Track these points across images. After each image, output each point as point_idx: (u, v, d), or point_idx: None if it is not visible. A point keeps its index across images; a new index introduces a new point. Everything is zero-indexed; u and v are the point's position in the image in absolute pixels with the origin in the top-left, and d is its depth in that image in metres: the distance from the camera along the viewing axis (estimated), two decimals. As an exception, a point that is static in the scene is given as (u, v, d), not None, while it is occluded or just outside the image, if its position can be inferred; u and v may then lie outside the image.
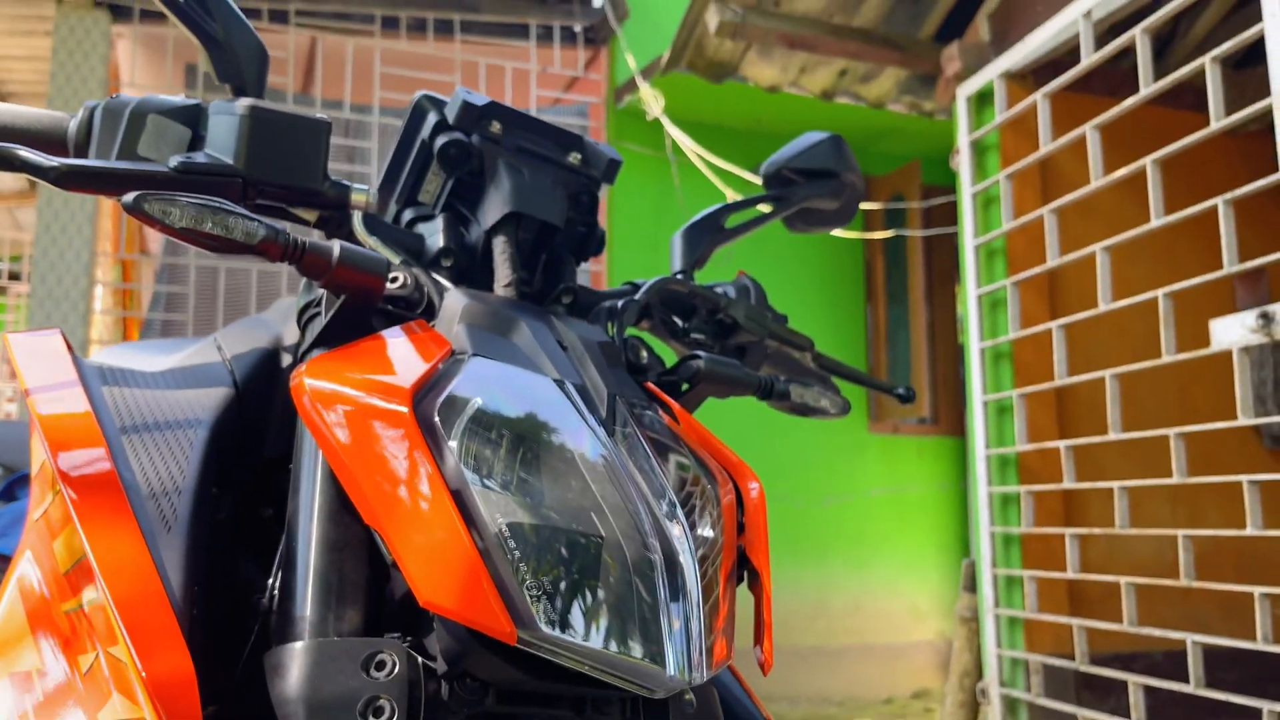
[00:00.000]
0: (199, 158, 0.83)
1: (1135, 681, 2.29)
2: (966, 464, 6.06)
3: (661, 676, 0.67)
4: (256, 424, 0.93)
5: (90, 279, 4.39)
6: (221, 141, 0.85)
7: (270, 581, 0.81)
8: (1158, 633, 2.24)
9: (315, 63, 4.90)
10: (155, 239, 5.99)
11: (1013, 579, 2.80)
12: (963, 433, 6.00)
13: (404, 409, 0.70)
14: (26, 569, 0.77)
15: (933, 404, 5.90)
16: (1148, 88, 2.25)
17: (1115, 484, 2.35)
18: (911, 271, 5.79)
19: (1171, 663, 2.74)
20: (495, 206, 0.95)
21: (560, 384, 0.79)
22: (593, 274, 4.88)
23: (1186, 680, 2.17)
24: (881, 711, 5.42)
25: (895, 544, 5.89)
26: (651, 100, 4.59)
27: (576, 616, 0.66)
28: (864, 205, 5.39)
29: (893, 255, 5.88)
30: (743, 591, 0.82)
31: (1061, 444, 2.53)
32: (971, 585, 3.05)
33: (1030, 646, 2.75)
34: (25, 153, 0.77)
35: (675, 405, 0.91)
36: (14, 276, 8.26)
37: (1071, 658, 2.54)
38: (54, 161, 0.77)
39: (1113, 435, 2.35)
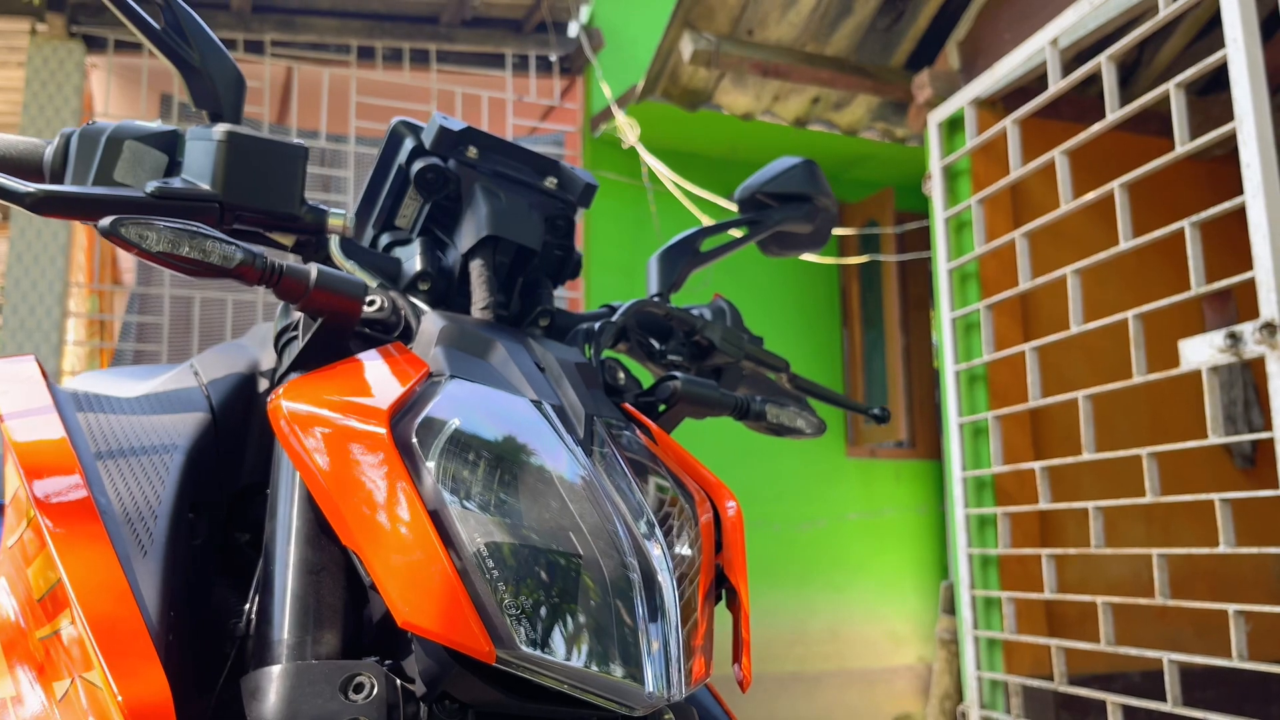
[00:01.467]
0: (175, 183, 0.84)
1: (1114, 701, 2.29)
2: (944, 487, 6.08)
3: (640, 694, 0.68)
4: (233, 449, 0.93)
5: (63, 310, 4.36)
6: (198, 167, 0.85)
7: (247, 606, 0.80)
8: (1135, 652, 2.26)
9: (291, 92, 4.90)
10: (129, 269, 5.94)
11: (991, 600, 2.81)
12: (939, 456, 6.03)
13: (382, 430, 0.70)
14: (1, 596, 0.76)
15: (909, 427, 5.93)
16: (1114, 113, 2.29)
17: (1090, 504, 2.37)
18: (886, 296, 5.83)
19: (1149, 682, 2.76)
20: (472, 230, 0.95)
21: (538, 405, 0.79)
22: (569, 300, 4.89)
23: (1164, 699, 2.18)
24: (863, 737, 5.40)
25: (873, 568, 5.89)
26: (627, 128, 4.62)
27: (555, 636, 0.66)
28: (838, 230, 5.44)
29: (868, 280, 5.93)
30: (721, 611, 0.82)
31: (1036, 465, 2.55)
32: (950, 607, 3.06)
33: (1009, 668, 2.76)
34: (2, 179, 0.77)
35: (653, 425, 0.91)
36: (-16, 308, 8.18)
37: (1050, 678, 2.55)
38: (30, 187, 0.77)
39: (1086, 455, 2.38)
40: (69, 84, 4.45)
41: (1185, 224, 2.12)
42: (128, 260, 6.39)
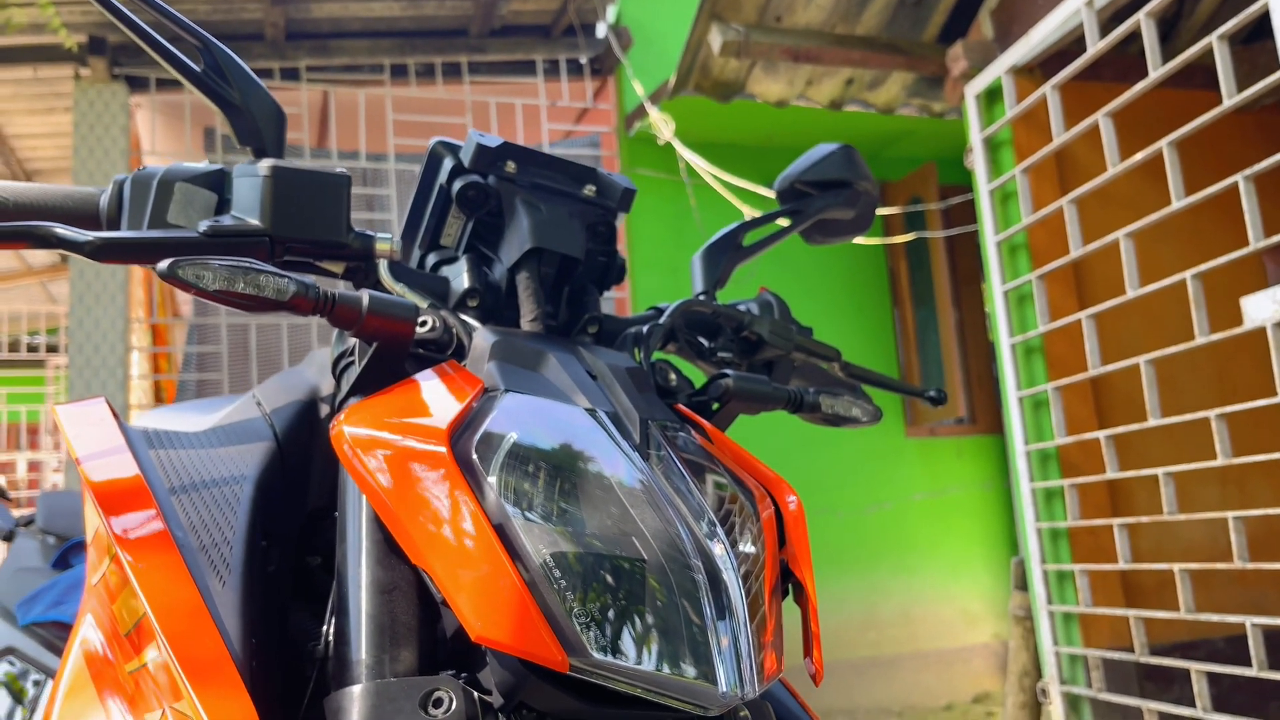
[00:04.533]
0: (226, 220, 0.86)
1: (1197, 669, 2.25)
2: (1007, 461, 6.00)
3: (714, 694, 0.68)
4: (299, 475, 0.95)
5: (126, 345, 4.47)
6: (247, 203, 0.87)
7: (324, 629, 0.82)
8: (1215, 618, 2.21)
9: (329, 116, 4.98)
10: (186, 301, 6.08)
11: (1064, 574, 2.77)
12: (1001, 430, 5.95)
13: (442, 449, 0.71)
14: (89, 633, 0.79)
15: (968, 403, 5.86)
16: (1156, 71, 2.24)
17: (1160, 470, 2.32)
18: (936, 273, 5.77)
19: (1232, 648, 2.70)
20: (516, 244, 0.97)
21: (592, 412, 0.80)
22: (616, 301, 4.90)
23: (1249, 664, 2.13)
24: (942, 718, 5.35)
25: (942, 548, 5.83)
26: (662, 125, 4.62)
27: (626, 641, 0.67)
28: (883, 210, 5.39)
29: (916, 258, 5.87)
30: (789, 606, 0.82)
31: (1101, 434, 2.50)
32: (1022, 583, 3.02)
33: (1087, 641, 2.72)
34: (61, 230, 0.79)
35: (707, 425, 0.92)
36: (51, 349, 8.42)
37: (1130, 650, 2.50)
38: (89, 236, 0.79)
39: (1152, 421, 2.33)
40: (115, 125, 4.56)
41: (1239, 178, 2.07)
42: (184, 293, 6.51)
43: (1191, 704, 2.30)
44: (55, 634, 1.51)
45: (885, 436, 5.79)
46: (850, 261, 5.68)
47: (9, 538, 1.82)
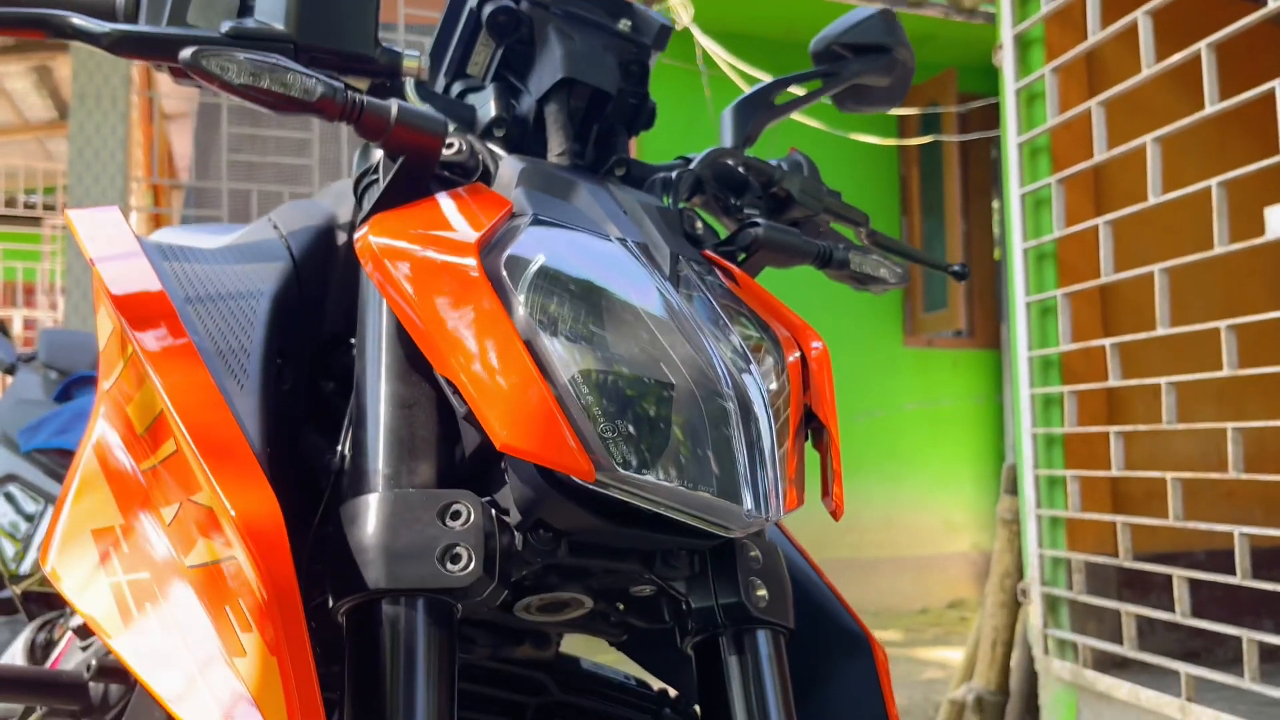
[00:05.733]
0: (249, 23, 0.82)
1: (1180, 575, 2.29)
2: (1002, 376, 6.02)
3: (738, 513, 0.68)
4: (314, 299, 0.94)
5: (125, 206, 4.41)
6: (271, 7, 0.83)
7: (339, 446, 0.81)
8: (1205, 526, 2.24)
9: (338, -21, 4.81)
10: (184, 167, 5.98)
11: (1055, 480, 2.80)
12: (998, 345, 5.95)
13: (472, 261, 0.70)
14: (103, 434, 0.78)
15: (968, 316, 5.85)
16: (1202, -30, 2.17)
17: (1163, 379, 2.32)
18: (947, 182, 5.70)
19: (1214, 561, 2.74)
20: (547, 74, 0.93)
21: (623, 242, 0.78)
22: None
23: (1230, 577, 2.17)
24: (917, 621, 5.49)
25: (929, 458, 5.90)
26: (680, 9, 4.49)
27: (652, 458, 0.66)
28: (898, 110, 5.29)
29: (928, 166, 5.79)
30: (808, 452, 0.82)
31: (1107, 342, 2.50)
32: (1012, 488, 3.05)
33: (1072, 546, 2.76)
34: (78, 19, 0.76)
35: (735, 270, 0.90)
36: (49, 208, 8.33)
37: (1114, 556, 2.54)
38: (106, 27, 0.76)
39: (1161, 330, 2.32)
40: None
41: (1276, 84, 2.02)
42: (184, 156, 6.41)
43: (1167, 610, 2.35)
44: (58, 461, 1.51)
45: (882, 346, 5.80)
46: (861, 164, 5.60)
47: (10, 370, 1.81)
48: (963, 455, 5.99)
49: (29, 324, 8.54)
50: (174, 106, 5.77)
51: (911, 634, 5.13)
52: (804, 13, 4.70)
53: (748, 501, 0.68)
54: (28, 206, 8.33)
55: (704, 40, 4.56)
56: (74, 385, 1.69)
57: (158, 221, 5.27)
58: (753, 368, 0.74)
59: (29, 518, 1.53)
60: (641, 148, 4.91)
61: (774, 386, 0.76)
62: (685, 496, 0.66)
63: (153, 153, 5.15)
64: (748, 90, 1.17)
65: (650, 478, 0.65)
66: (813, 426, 0.81)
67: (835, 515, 0.77)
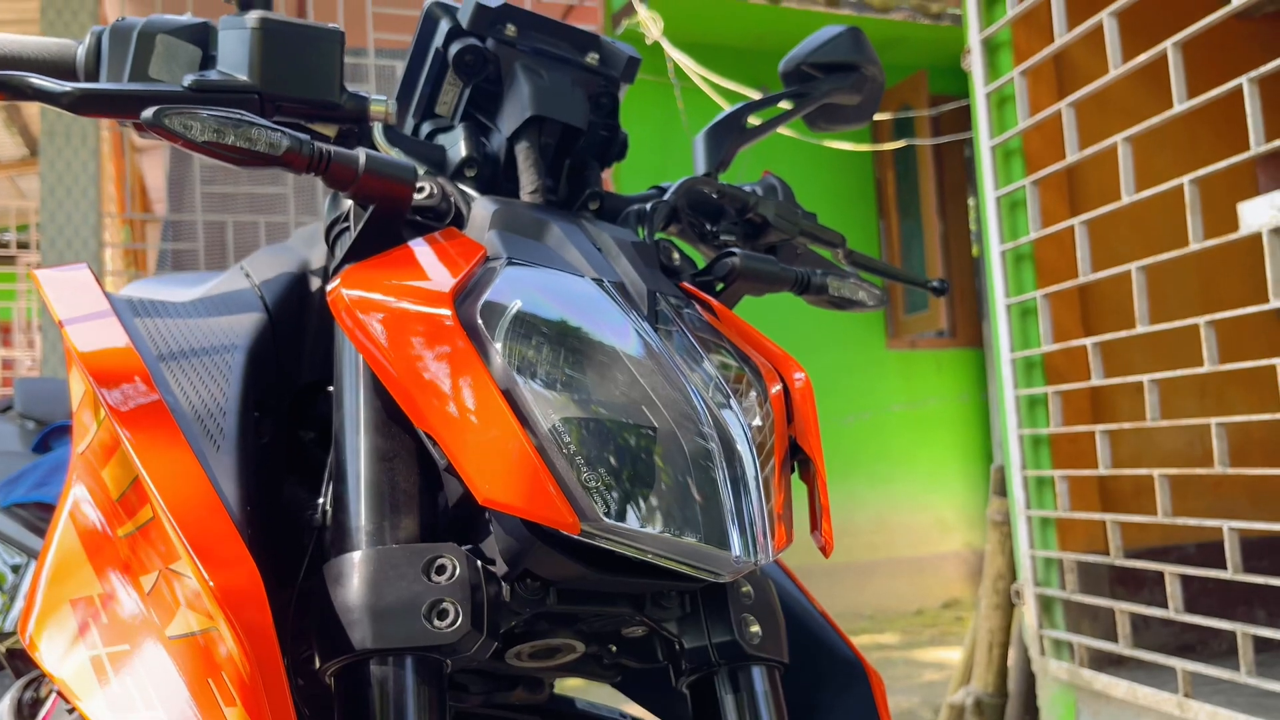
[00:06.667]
0: (212, 75, 0.81)
1: (1171, 571, 2.29)
2: (986, 374, 6.04)
3: (726, 558, 0.67)
4: (290, 348, 0.93)
5: (99, 241, 4.38)
6: (234, 58, 0.83)
7: (320, 500, 0.80)
8: (1193, 522, 2.24)
9: (305, 7, 4.81)
10: (159, 199, 5.94)
11: (1043, 480, 2.80)
12: (981, 344, 5.98)
13: (446, 312, 0.69)
14: (79, 500, 0.76)
15: (949, 316, 5.87)
16: (1165, -31, 2.19)
17: (1144, 377, 2.33)
18: (923, 183, 5.72)
19: (1204, 554, 2.75)
20: (515, 111, 0.92)
21: (599, 283, 0.77)
22: (601, 205, 4.83)
23: (1220, 570, 2.17)
24: (913, 622, 5.49)
25: (918, 458, 5.91)
26: (650, 23, 4.50)
27: (637, 506, 0.65)
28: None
29: (903, 168, 5.81)
30: (795, 484, 0.81)
31: (1088, 341, 2.50)
32: (1001, 489, 3.05)
33: (1063, 545, 2.76)
34: (37, 80, 0.75)
35: (714, 302, 0.89)
36: (22, 245, 8.26)
37: (1105, 554, 2.54)
38: (67, 87, 0.75)
39: (1140, 329, 2.33)
40: (84, 9, 4.39)
41: (1243, 80, 2.04)
42: (158, 189, 6.37)
43: (1160, 607, 2.35)
44: (38, 515, 1.49)
45: (866, 349, 5.82)
46: (837, 169, 5.62)
47: (-14, 422, 1.79)
48: (951, 454, 6.00)
49: (7, 364, 8.46)
50: (145, 140, 5.73)
51: (909, 636, 5.13)
52: (772, 22, 4.72)
53: (736, 546, 0.67)
54: (1, 245, 8.27)
55: (674, 53, 4.57)
56: (52, 435, 1.67)
57: (136, 258, 5.23)
58: (734, 404, 0.73)
59: (14, 568, 1.51)
60: (619, 164, 4.92)
61: (757, 421, 0.75)
62: (672, 544, 0.66)
63: (125, 187, 5.11)
64: (719, 114, 1.17)
65: (635, 526, 0.64)
66: (799, 459, 0.80)
67: (825, 551, 0.76)
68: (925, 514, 5.93)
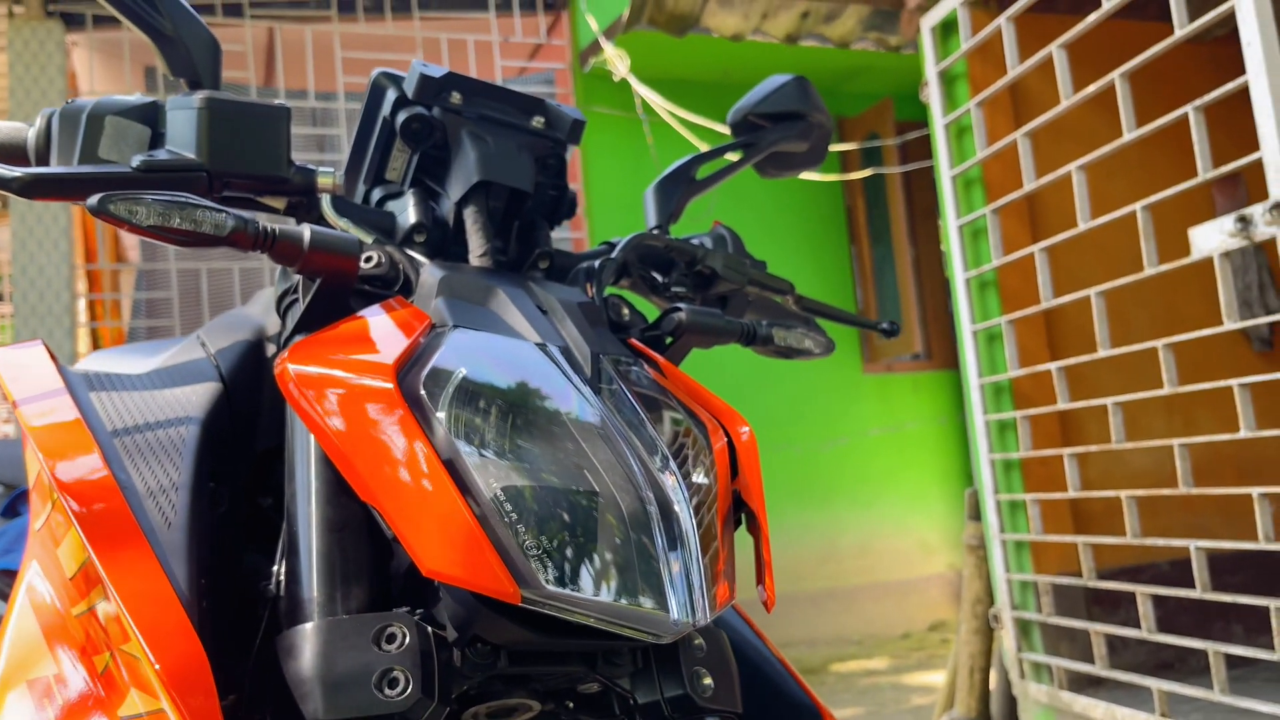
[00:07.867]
0: (161, 155, 0.83)
1: (1143, 592, 2.32)
2: (963, 396, 6.08)
3: (666, 621, 0.69)
4: (247, 416, 0.94)
5: (72, 293, 4.37)
6: (182, 136, 0.85)
7: (275, 568, 0.82)
8: (1161, 542, 2.27)
9: (275, 54, 4.84)
10: (132, 246, 5.94)
11: (1016, 504, 2.83)
12: (956, 365, 6.02)
13: (389, 385, 0.70)
14: (34, 579, 0.77)
15: (924, 339, 5.91)
16: (1110, 2, 2.24)
17: (1109, 400, 2.36)
18: (893, 209, 5.78)
19: (1177, 571, 2.77)
20: (463, 177, 0.95)
21: (543, 347, 0.79)
22: (573, 240, 4.86)
23: (1192, 587, 2.20)
24: (900, 646, 5.49)
25: (898, 481, 5.93)
26: (616, 60, 4.55)
27: (578, 572, 0.67)
28: (839, 146, 5.37)
29: (873, 194, 5.87)
30: (743, 536, 0.83)
31: (1053, 366, 2.54)
32: (976, 514, 3.08)
33: (1038, 568, 2.79)
34: None
35: (659, 359, 0.91)
36: (-5, 297, 8.22)
37: (1079, 575, 2.57)
38: (17, 172, 0.77)
39: (1102, 353, 2.37)
40: (52, 64, 4.41)
41: (1189, 109, 2.09)
42: (130, 238, 6.37)
43: (1137, 626, 2.38)
44: (4, 582, 1.49)
45: (842, 372, 5.85)
46: (807, 198, 5.67)
47: (-45, 487, 1.78)
48: (932, 476, 6.03)
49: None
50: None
51: (896, 660, 5.13)
52: (736, 57, 4.78)
53: (674, 609, 0.69)
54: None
55: (641, 89, 4.62)
56: (20, 499, 1.67)
57: (113, 308, 5.21)
58: (672, 466, 0.75)
59: None
60: (592, 197, 4.95)
61: (701, 480, 0.77)
62: (611, 609, 0.67)
63: (98, 236, 5.11)
64: (669, 166, 1.20)
65: (575, 593, 0.66)
66: (744, 513, 0.82)
67: (767, 607, 0.78)
68: (908, 537, 5.95)
